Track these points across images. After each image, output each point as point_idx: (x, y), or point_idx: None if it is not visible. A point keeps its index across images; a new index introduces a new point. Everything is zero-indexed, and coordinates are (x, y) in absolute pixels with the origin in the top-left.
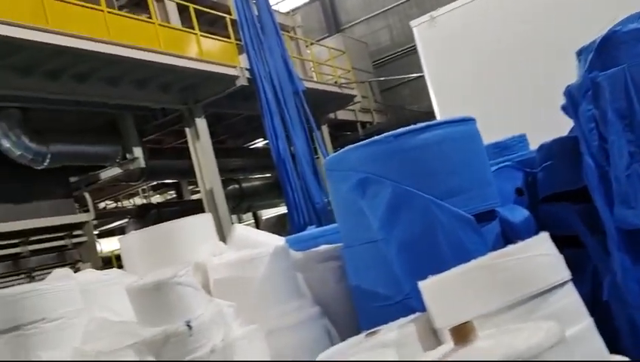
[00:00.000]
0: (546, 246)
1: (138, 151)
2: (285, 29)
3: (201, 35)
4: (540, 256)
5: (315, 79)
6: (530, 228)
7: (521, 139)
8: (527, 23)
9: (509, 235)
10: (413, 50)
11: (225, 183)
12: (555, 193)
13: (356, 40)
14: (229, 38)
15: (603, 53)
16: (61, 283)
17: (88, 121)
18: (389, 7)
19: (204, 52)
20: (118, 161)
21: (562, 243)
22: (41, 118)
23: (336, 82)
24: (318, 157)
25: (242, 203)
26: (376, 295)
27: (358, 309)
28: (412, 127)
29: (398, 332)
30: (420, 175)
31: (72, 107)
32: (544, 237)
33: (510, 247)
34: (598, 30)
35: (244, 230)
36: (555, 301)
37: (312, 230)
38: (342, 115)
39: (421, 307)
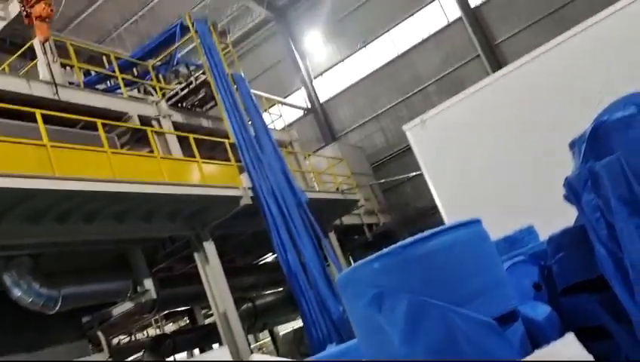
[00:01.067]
0: (574, 351)
1: (149, 283)
2: (283, 145)
3: (203, 162)
4: None
5: (317, 188)
6: (554, 324)
7: (530, 231)
8: (518, 112)
9: (534, 334)
10: (409, 148)
11: (238, 303)
12: (573, 284)
13: (352, 146)
14: (229, 160)
15: (595, 143)
16: None
17: (97, 259)
18: (380, 111)
19: (207, 177)
20: (129, 295)
21: (589, 335)
22: (51, 261)
23: (337, 189)
24: (328, 265)
25: (257, 321)
26: None
27: None
28: (419, 235)
29: None
30: (434, 283)
31: (81, 247)
32: (571, 340)
33: (537, 353)
34: (589, 115)
35: (261, 357)
36: None
37: (331, 350)
38: (348, 220)
39: None
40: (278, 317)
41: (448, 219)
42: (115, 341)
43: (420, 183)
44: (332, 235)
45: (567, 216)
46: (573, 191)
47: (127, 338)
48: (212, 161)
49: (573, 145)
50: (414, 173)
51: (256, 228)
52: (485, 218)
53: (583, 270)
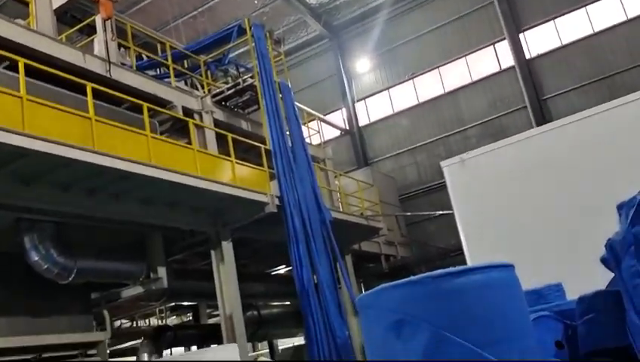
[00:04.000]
0: None
1: (162, 271)
2: (316, 160)
3: (236, 162)
4: None
5: (341, 210)
6: None
7: (558, 288)
8: (560, 169)
9: None
10: (440, 187)
11: (243, 308)
12: (599, 348)
13: (384, 174)
14: (261, 165)
15: None
16: None
17: (117, 238)
18: (417, 145)
19: (238, 178)
20: (141, 279)
21: None
22: (72, 233)
23: (362, 214)
24: (340, 287)
25: (260, 330)
26: None
27: None
28: (451, 269)
29: None
30: (458, 320)
31: (104, 224)
32: None
33: None
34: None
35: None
36: None
37: None
38: (366, 246)
39: None
40: (280, 329)
41: (471, 263)
42: (117, 323)
43: (445, 224)
44: (348, 258)
45: (594, 280)
46: (614, 254)
47: (129, 324)
48: (245, 163)
49: (620, 207)
50: (442, 212)
51: (275, 238)
52: None
53: (612, 336)
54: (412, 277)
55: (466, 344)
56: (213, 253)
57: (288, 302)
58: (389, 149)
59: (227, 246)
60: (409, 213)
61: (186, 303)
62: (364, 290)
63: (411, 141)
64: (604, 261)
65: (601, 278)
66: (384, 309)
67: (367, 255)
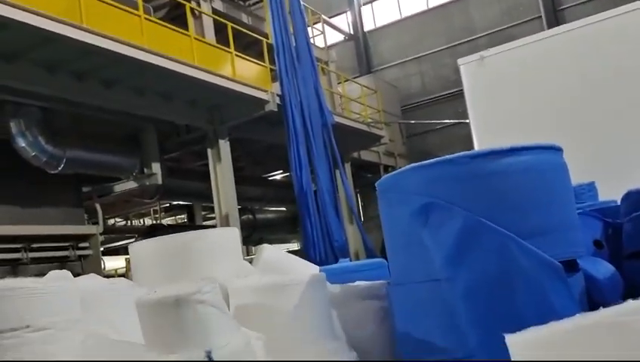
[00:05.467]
0: None
1: (156, 167)
2: (319, 62)
3: (236, 55)
4: None
5: (344, 115)
6: (616, 286)
7: (591, 188)
8: (587, 65)
9: (591, 293)
10: (444, 99)
11: (238, 211)
12: None
13: (387, 82)
14: (262, 63)
15: None
16: (56, 284)
17: (109, 130)
18: (423, 53)
19: (237, 72)
20: (134, 174)
21: None
22: (61, 120)
23: (364, 121)
24: (338, 194)
25: (254, 234)
26: (431, 346)
27: (403, 361)
28: (494, 147)
29: None
30: (499, 207)
31: (95, 112)
32: None
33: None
34: None
35: (274, 252)
36: None
37: (345, 263)
38: (365, 155)
39: None
40: (275, 234)
41: None
42: (110, 222)
43: (447, 136)
44: (347, 167)
45: (624, 183)
46: None
47: (123, 222)
48: (246, 57)
49: None
50: (448, 121)
51: (273, 140)
52: None
53: None
54: (446, 156)
55: (507, 233)
56: (209, 151)
57: (284, 208)
58: (394, 57)
59: (224, 145)
60: (413, 122)
61: (180, 203)
62: (361, 201)
63: (417, 49)
64: None
65: (634, 177)
66: (410, 192)
67: (367, 164)
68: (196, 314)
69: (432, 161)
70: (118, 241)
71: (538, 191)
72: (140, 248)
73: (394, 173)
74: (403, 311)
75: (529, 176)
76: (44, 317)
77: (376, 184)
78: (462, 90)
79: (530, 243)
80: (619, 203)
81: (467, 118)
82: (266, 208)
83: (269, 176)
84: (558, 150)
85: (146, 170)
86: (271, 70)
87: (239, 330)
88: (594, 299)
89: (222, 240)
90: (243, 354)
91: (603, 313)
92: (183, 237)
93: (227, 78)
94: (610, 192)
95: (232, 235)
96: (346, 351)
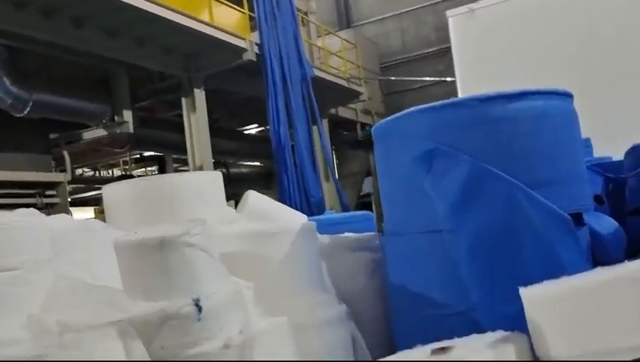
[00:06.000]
0: None
1: (128, 115)
2: (299, 12)
3: None
4: None
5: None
6: (619, 242)
7: (586, 144)
8: (583, 18)
9: (595, 249)
10: (424, 57)
11: (212, 166)
12: None
13: (367, 38)
14: (242, 9)
15: None
16: (23, 219)
17: (78, 74)
18: (404, 10)
19: (215, 18)
20: (104, 122)
21: None
22: (29, 62)
23: (342, 76)
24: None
25: (227, 188)
26: (429, 300)
27: (396, 315)
28: (503, 91)
29: (492, 353)
30: (507, 154)
31: (64, 54)
32: None
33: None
34: None
35: (260, 198)
36: None
37: (331, 214)
38: (342, 112)
39: (488, 322)
40: (249, 189)
41: None
42: (78, 171)
43: (429, 95)
44: (325, 123)
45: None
46: None
47: (92, 173)
48: (224, 2)
49: None
50: (428, 78)
51: (250, 91)
52: None
53: None
54: (452, 99)
55: (515, 182)
56: (184, 100)
57: (259, 163)
58: (374, 13)
59: (199, 95)
60: (393, 78)
61: (151, 153)
62: (336, 158)
63: (397, 6)
64: None
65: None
66: (410, 137)
67: (344, 121)
68: (183, 257)
69: (436, 103)
70: (86, 192)
71: (548, 139)
72: (114, 191)
73: (394, 116)
74: (399, 263)
75: (540, 123)
76: (9, 257)
77: (372, 129)
78: (443, 48)
79: (540, 194)
80: (613, 159)
81: (448, 76)
82: (241, 162)
83: (245, 130)
84: (569, 96)
85: (117, 118)
86: (250, 18)
87: (229, 278)
88: (597, 255)
89: (204, 183)
90: (233, 303)
91: (618, 269)
92: (162, 179)
93: (205, 23)
94: (604, 150)
95: (214, 178)
96: (335, 304)
